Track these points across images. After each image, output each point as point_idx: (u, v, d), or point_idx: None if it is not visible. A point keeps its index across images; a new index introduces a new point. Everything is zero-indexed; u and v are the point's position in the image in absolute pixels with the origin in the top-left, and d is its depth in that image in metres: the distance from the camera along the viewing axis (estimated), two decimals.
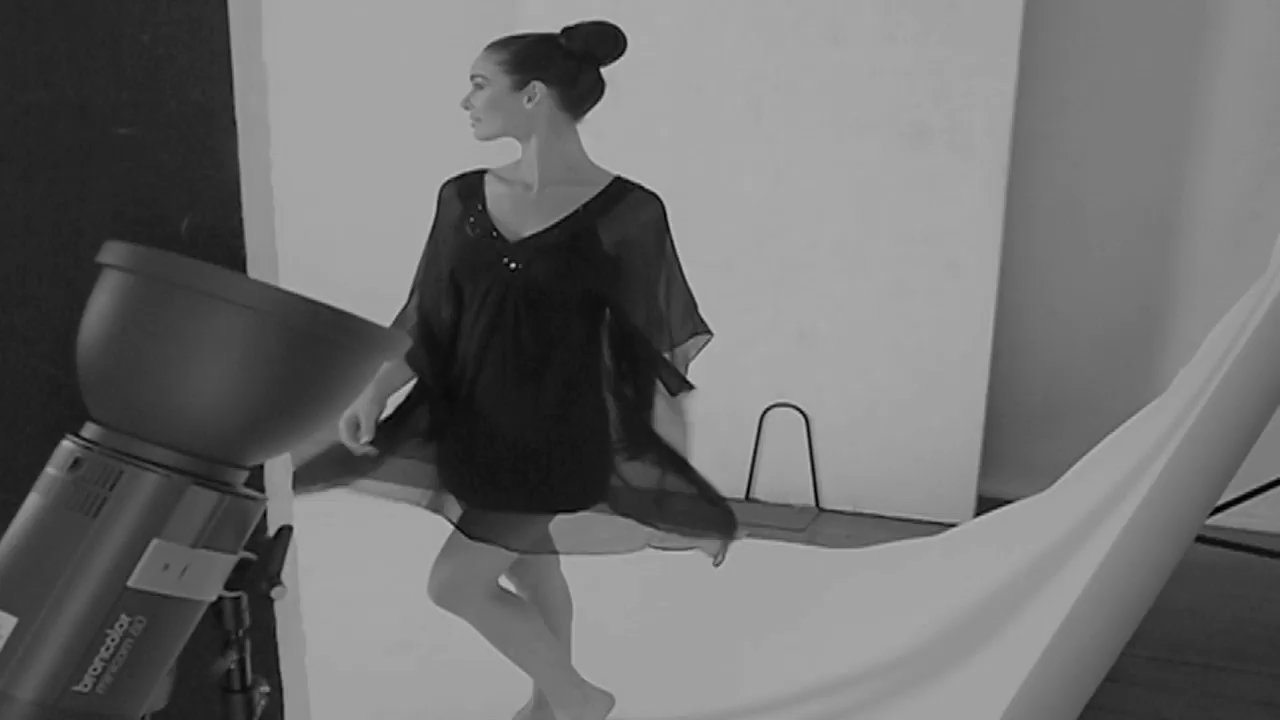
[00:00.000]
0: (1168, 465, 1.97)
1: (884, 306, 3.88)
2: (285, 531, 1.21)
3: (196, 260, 1.05)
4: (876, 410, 3.97)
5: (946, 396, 3.88)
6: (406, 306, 2.26)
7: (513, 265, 2.10)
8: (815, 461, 4.06)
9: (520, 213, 2.15)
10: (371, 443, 2.17)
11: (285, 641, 1.56)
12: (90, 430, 1.08)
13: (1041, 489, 3.26)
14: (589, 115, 2.20)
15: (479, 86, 2.11)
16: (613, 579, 3.32)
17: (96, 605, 1.01)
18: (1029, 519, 3.12)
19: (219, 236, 1.37)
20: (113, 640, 1.01)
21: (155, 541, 1.02)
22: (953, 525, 3.75)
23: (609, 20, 2.13)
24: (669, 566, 3.48)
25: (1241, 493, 3.34)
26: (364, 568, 3.29)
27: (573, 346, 2.15)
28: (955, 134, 3.70)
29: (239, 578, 1.14)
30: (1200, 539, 3.25)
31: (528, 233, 2.12)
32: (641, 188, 2.20)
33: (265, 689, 1.24)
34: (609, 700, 2.43)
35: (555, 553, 2.28)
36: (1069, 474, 3.14)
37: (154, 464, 1.04)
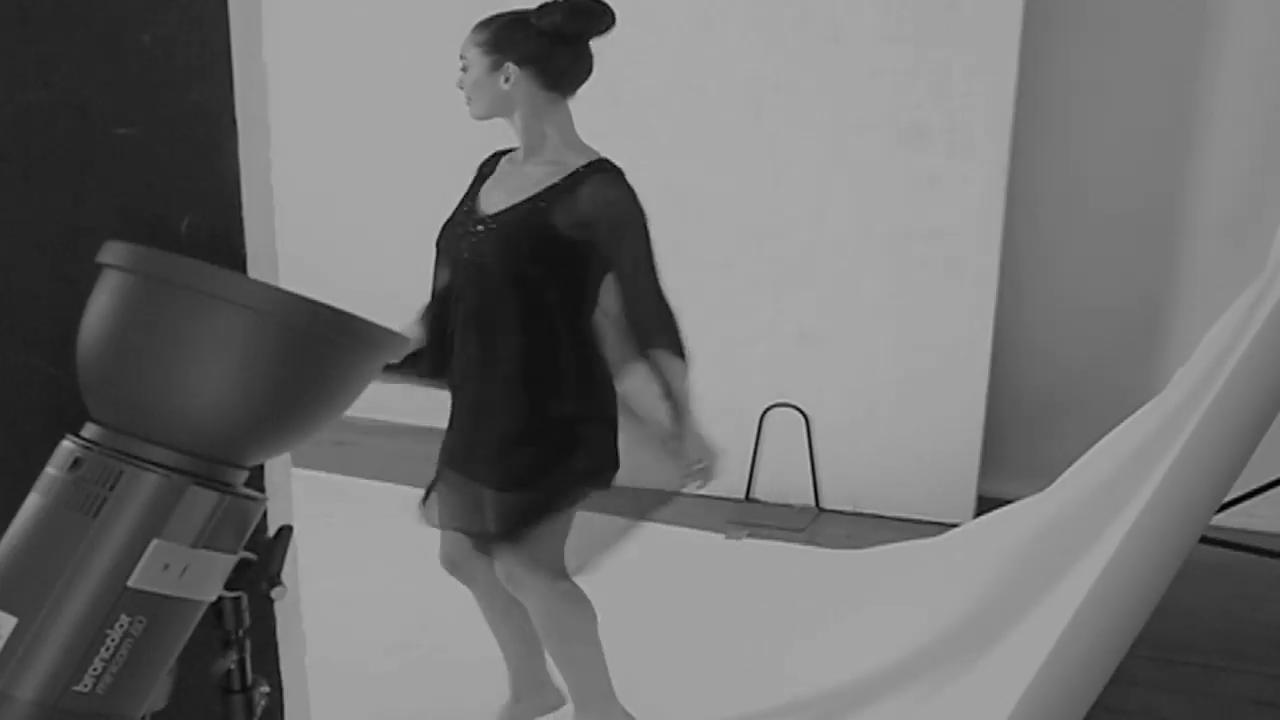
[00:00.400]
0: (1172, 467, 1.97)
1: (884, 306, 3.88)
2: (285, 531, 1.21)
3: (196, 260, 1.05)
4: (876, 410, 3.97)
5: (946, 396, 3.88)
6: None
7: (473, 240, 2.12)
8: (815, 461, 4.06)
9: (497, 190, 2.17)
10: None
11: (285, 641, 1.56)
12: (90, 430, 1.08)
13: (1041, 489, 3.26)
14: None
15: (464, 69, 2.13)
16: (611, 579, 3.32)
17: (96, 605, 1.01)
18: (1029, 519, 3.12)
19: (219, 236, 1.37)
20: (113, 640, 1.01)
21: (155, 541, 1.02)
22: (953, 525, 3.75)
23: None
24: (668, 566, 3.49)
25: (1241, 493, 3.34)
26: (364, 568, 3.29)
27: (514, 326, 2.10)
28: (955, 134, 3.69)
29: (239, 578, 1.14)
30: (1201, 539, 3.25)
31: (493, 210, 2.13)
32: (608, 171, 2.12)
33: (265, 689, 1.24)
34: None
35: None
36: (1067, 473, 3.14)
37: (154, 464, 1.04)
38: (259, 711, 1.23)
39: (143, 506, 1.03)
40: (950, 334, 3.84)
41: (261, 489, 1.42)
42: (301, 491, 1.63)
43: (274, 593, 1.16)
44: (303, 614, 1.63)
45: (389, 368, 1.19)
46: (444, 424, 2.26)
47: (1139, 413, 2.94)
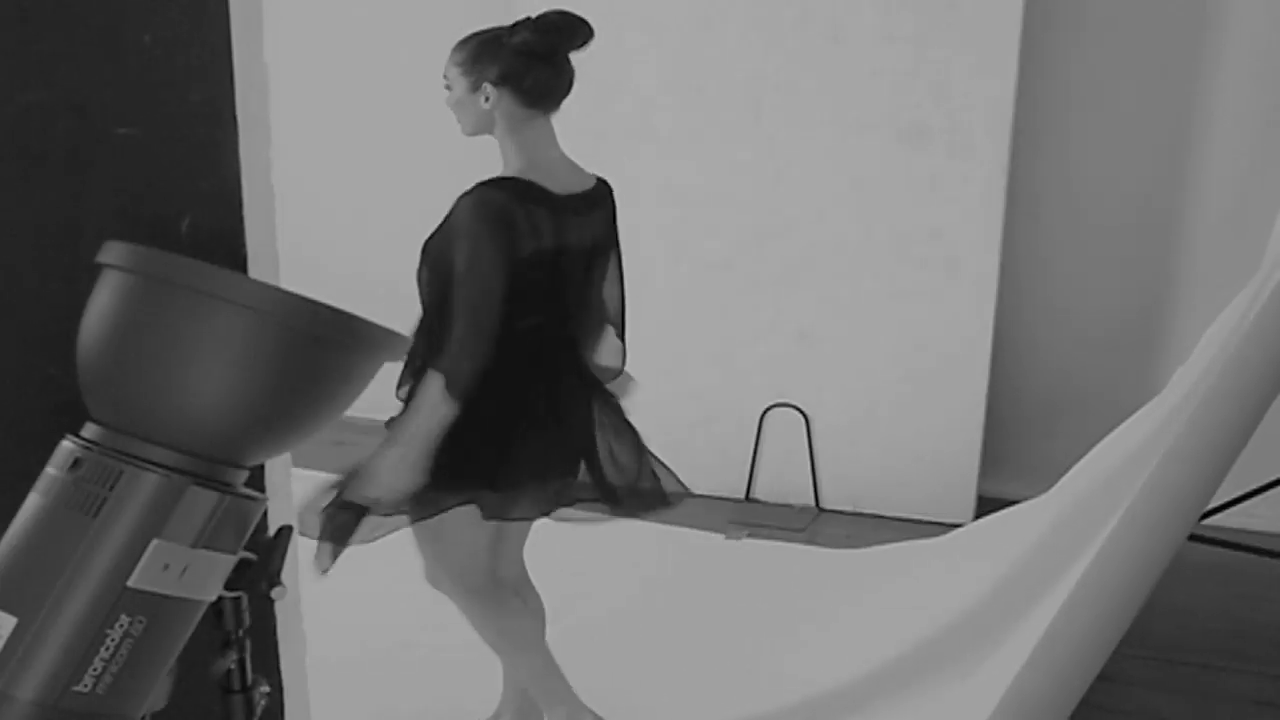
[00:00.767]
0: (1160, 462, 1.97)
1: (884, 306, 3.88)
2: (285, 531, 1.21)
3: (196, 260, 1.05)
4: (876, 410, 3.97)
5: (946, 396, 3.88)
6: None
7: None
8: (815, 461, 4.06)
9: None
10: None
11: (285, 641, 1.56)
12: (90, 430, 1.08)
13: (1041, 489, 3.26)
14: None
15: (448, 89, 2.14)
16: (609, 579, 3.33)
17: (96, 605, 1.01)
18: (1029, 521, 3.12)
19: (219, 236, 1.37)
20: (113, 640, 1.01)
21: (155, 541, 1.02)
22: (953, 525, 3.75)
23: (567, 10, 2.07)
24: (668, 566, 3.49)
25: (1241, 493, 3.34)
26: (364, 568, 3.28)
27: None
28: (955, 134, 3.69)
29: (239, 578, 1.14)
30: (1200, 539, 3.25)
31: None
32: (474, 190, 2.04)
33: (265, 689, 1.24)
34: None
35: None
36: (1068, 475, 3.14)
37: (154, 464, 1.04)
38: (259, 711, 1.23)
39: (143, 506, 1.03)
40: (950, 334, 3.84)
41: (261, 489, 1.42)
42: (301, 491, 1.63)
43: (274, 593, 1.16)
44: (303, 614, 1.63)
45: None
46: None
47: (1138, 414, 2.94)
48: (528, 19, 2.06)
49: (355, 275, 3.64)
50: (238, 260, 1.39)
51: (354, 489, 2.07)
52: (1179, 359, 3.28)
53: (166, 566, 1.03)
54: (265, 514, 1.19)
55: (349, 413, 1.17)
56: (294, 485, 1.64)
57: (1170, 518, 1.92)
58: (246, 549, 1.15)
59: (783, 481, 4.11)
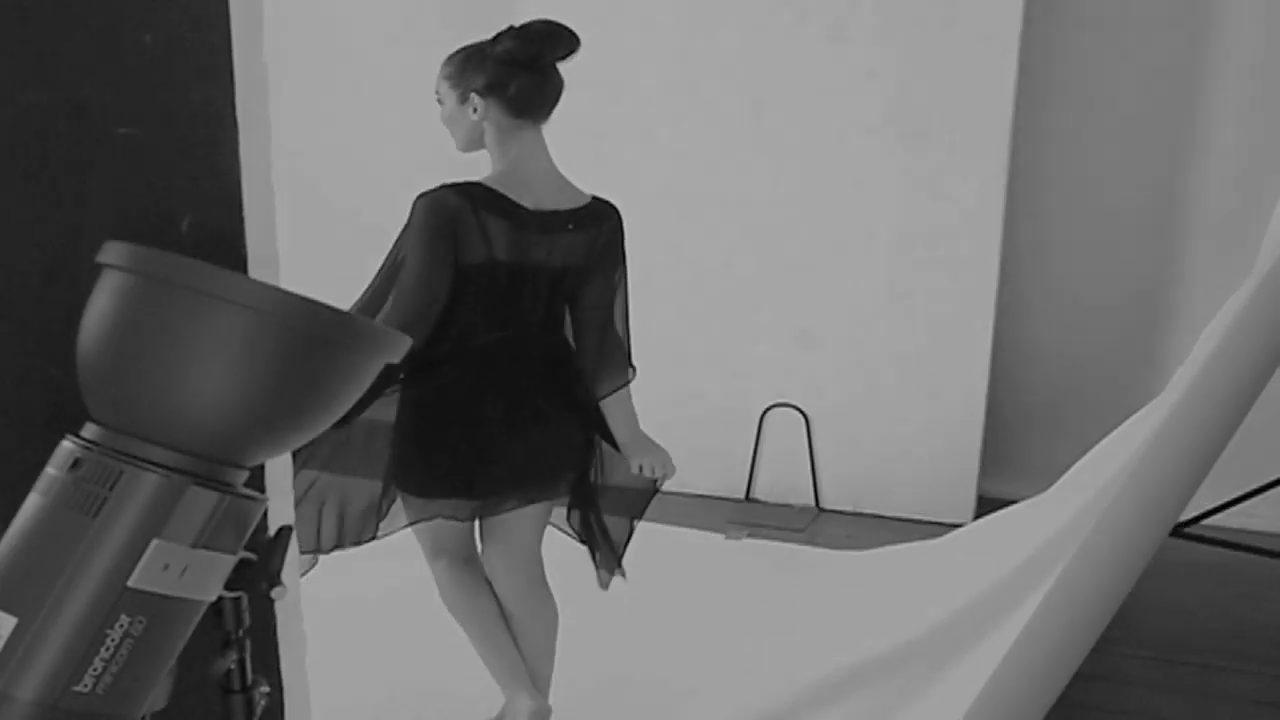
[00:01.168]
0: (1144, 458, 1.96)
1: (884, 306, 3.88)
2: (285, 531, 1.21)
3: (196, 260, 1.05)
4: (876, 410, 3.97)
5: (946, 396, 3.88)
6: None
7: None
8: (815, 461, 4.06)
9: None
10: None
11: (285, 641, 1.56)
12: (90, 430, 1.08)
13: (1041, 489, 3.27)
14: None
15: (440, 103, 2.14)
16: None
17: (96, 605, 1.00)
18: (1028, 522, 3.12)
19: (219, 236, 1.37)
20: (113, 640, 1.01)
21: (155, 542, 1.02)
22: (953, 525, 3.75)
23: (552, 20, 2.07)
24: (668, 566, 3.49)
25: (1241, 493, 3.34)
26: (364, 568, 3.28)
27: None
28: (955, 134, 3.70)
29: (239, 578, 1.14)
30: (1200, 539, 3.26)
31: None
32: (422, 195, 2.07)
33: (265, 689, 1.24)
34: (539, 712, 2.39)
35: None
36: (1067, 475, 3.14)
37: (154, 464, 1.04)
38: (259, 711, 1.23)
39: (143, 506, 1.02)
40: (950, 334, 3.84)
41: (261, 489, 1.42)
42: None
43: (274, 593, 1.16)
44: (303, 614, 1.63)
45: None
46: None
47: (1137, 414, 2.94)
48: (511, 28, 2.06)
49: (354, 274, 3.64)
50: (238, 260, 1.38)
51: None
52: (1179, 359, 3.28)
53: (166, 566, 1.03)
54: (265, 514, 1.19)
55: None
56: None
57: (1149, 516, 1.90)
58: (246, 549, 1.15)
59: (783, 481, 4.11)
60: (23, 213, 1.37)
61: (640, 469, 2.28)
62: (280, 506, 1.53)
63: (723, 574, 3.54)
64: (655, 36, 3.87)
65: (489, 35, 2.11)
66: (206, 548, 1.06)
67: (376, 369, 1.15)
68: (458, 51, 2.12)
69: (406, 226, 2.06)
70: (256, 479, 1.36)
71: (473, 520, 2.29)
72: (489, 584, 2.37)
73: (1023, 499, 3.41)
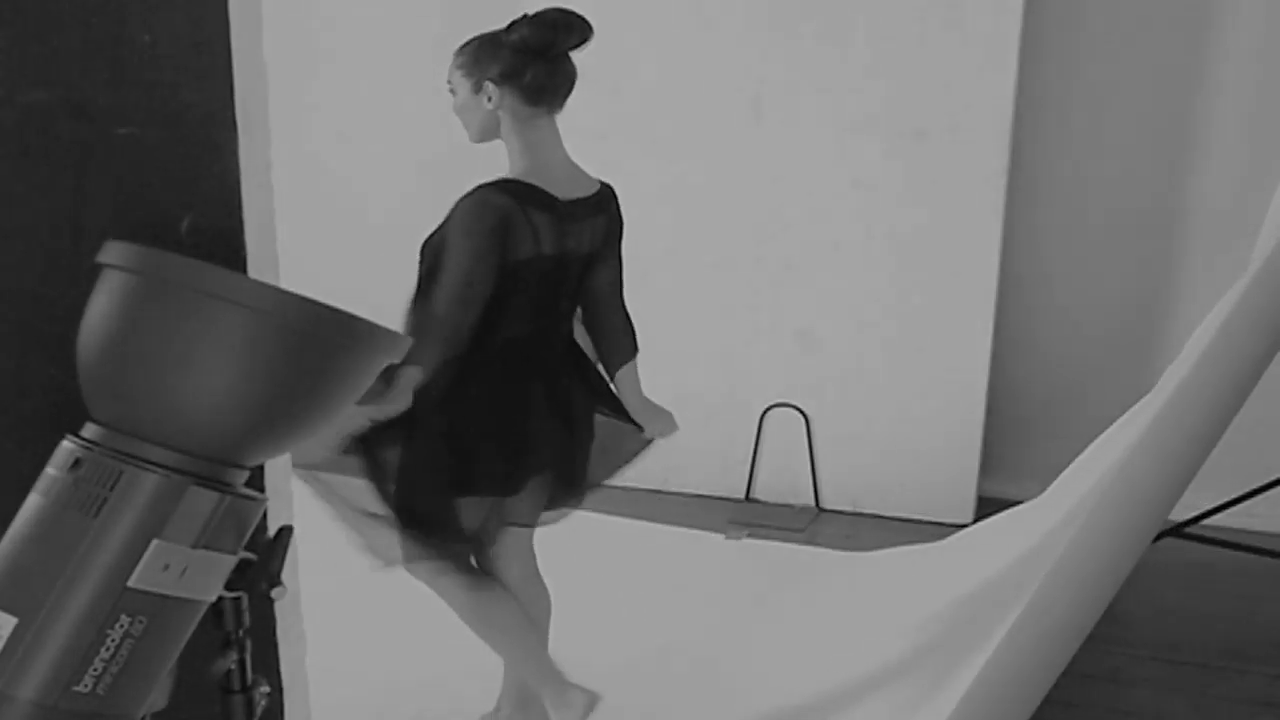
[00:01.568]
0: (1131, 457, 1.96)
1: (884, 306, 3.88)
2: (285, 531, 1.21)
3: (196, 260, 1.05)
4: (876, 410, 3.97)
5: (946, 396, 3.88)
6: None
7: None
8: (815, 461, 4.06)
9: None
10: None
11: (285, 641, 1.56)
12: (90, 430, 1.08)
13: (1042, 489, 3.26)
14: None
15: (452, 93, 2.14)
16: (609, 578, 3.33)
17: (97, 605, 1.01)
18: (1026, 523, 3.12)
19: (219, 236, 1.37)
20: (113, 640, 1.01)
21: (155, 542, 1.02)
22: (953, 525, 3.75)
23: (566, 8, 2.08)
24: (668, 566, 3.49)
25: (1241, 493, 3.34)
26: (364, 568, 3.28)
27: None
28: (955, 134, 3.69)
29: (239, 578, 1.14)
30: (1200, 539, 3.26)
31: None
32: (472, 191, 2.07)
33: (265, 689, 1.24)
34: (590, 698, 2.40)
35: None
36: (1062, 476, 3.14)
37: (154, 464, 1.04)
38: (259, 711, 1.23)
39: (143, 507, 1.03)
40: (950, 334, 3.84)
41: (261, 489, 1.42)
42: (301, 491, 1.63)
43: (274, 593, 1.16)
44: (303, 614, 1.63)
45: None
46: None
47: (1129, 413, 2.94)
48: (525, 16, 2.06)
49: (354, 274, 3.64)
50: (238, 260, 1.39)
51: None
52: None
53: (167, 567, 1.03)
54: (265, 514, 1.19)
55: None
56: (294, 485, 1.64)
57: (1137, 515, 1.90)
58: (246, 549, 1.15)
59: (783, 481, 4.11)
60: (23, 213, 1.37)
61: (649, 434, 2.37)
62: (280, 506, 1.53)
63: (723, 574, 3.54)
64: (655, 36, 3.87)
65: (489, 31, 2.11)
66: (206, 548, 1.06)
67: (377, 369, 1.15)
68: (470, 40, 2.12)
69: (441, 232, 2.05)
70: (256, 479, 1.36)
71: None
72: (500, 583, 2.37)
73: (1023, 499, 3.41)
